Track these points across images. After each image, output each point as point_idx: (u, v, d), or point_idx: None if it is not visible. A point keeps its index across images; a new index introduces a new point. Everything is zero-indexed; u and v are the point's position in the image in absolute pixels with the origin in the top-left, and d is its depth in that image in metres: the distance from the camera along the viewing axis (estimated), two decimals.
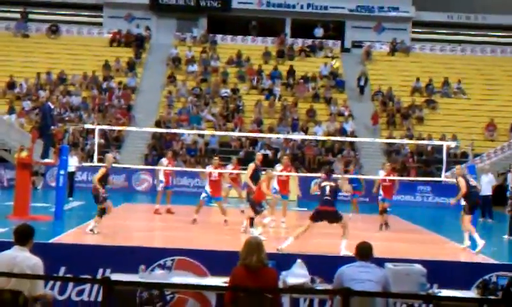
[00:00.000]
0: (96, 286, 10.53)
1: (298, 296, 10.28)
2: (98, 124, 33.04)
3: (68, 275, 10.40)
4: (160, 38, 46.71)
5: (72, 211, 23.67)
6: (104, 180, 18.34)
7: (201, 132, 35.51)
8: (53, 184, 28.25)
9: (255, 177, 20.01)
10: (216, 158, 22.74)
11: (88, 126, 30.60)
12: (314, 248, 15.51)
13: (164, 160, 24.20)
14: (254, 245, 8.31)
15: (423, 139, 35.62)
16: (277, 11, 47.97)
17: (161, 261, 10.60)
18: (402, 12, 48.06)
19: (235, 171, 24.58)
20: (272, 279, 8.30)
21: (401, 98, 41.42)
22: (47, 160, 22.52)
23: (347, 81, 43.18)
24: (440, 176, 26.99)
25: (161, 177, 23.79)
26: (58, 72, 41.55)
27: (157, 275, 10.03)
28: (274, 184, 21.42)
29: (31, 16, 47.24)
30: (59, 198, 21.15)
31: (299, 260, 9.87)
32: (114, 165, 31.73)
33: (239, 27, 47.90)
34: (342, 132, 37.47)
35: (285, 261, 10.00)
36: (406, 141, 35.06)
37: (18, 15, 46.72)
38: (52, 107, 23.60)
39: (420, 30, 48.75)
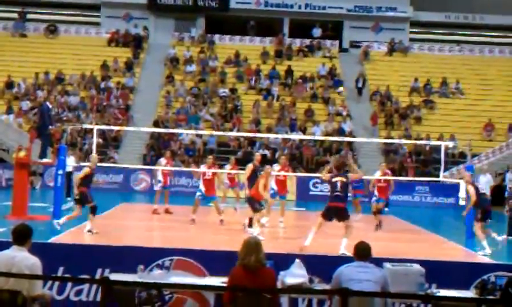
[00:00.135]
0: (94, 286, 10.53)
1: (297, 296, 10.28)
2: (97, 124, 33.02)
3: (67, 275, 10.39)
4: (158, 37, 46.71)
5: (69, 211, 23.60)
6: (88, 180, 18.31)
7: (200, 132, 35.51)
8: (51, 184, 28.26)
9: (253, 178, 19.97)
10: (209, 157, 22.73)
11: (86, 126, 30.64)
12: (313, 248, 15.50)
13: (162, 160, 24.22)
14: (252, 245, 8.31)
15: (421, 139, 35.63)
16: (275, 11, 47.97)
17: (160, 261, 10.60)
18: (400, 12, 48.08)
19: (233, 171, 24.61)
20: (271, 279, 8.30)
21: (399, 98, 41.44)
22: (45, 160, 22.51)
23: (345, 81, 43.18)
24: (438, 176, 26.99)
25: (159, 177, 23.81)
26: (56, 72, 41.53)
27: (156, 275, 10.02)
28: (272, 184, 21.41)
29: (28, 16, 47.21)
30: (57, 198, 21.12)
31: (297, 260, 9.86)
32: (112, 165, 32.03)
33: (237, 27, 47.91)
34: (340, 132, 37.47)
35: (284, 261, 10.00)
36: (404, 141, 35.07)
37: (16, 15, 46.68)
38: (50, 106, 23.61)
39: (418, 30, 48.77)
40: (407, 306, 10.37)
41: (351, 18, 48.11)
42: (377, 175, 22.39)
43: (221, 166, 27.56)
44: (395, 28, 47.70)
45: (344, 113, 39.58)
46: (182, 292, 10.44)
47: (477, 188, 18.21)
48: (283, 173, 22.06)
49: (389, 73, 44.30)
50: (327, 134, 36.37)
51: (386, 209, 26.39)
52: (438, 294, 9.59)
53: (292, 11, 48.01)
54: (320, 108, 40.80)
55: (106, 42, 45.45)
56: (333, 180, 16.17)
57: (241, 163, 28.39)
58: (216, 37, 46.49)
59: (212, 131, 35.84)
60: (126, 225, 21.51)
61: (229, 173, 24.76)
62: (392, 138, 35.94)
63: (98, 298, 10.07)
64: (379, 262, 9.31)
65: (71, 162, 27.59)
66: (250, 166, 20.77)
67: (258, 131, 36.69)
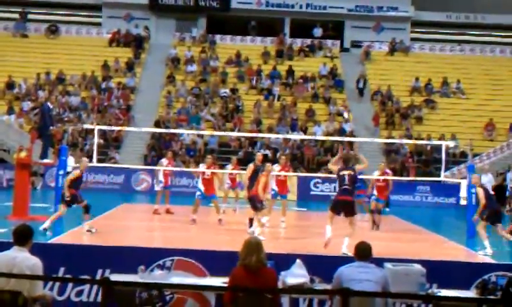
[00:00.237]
0: (95, 287, 10.52)
1: (297, 296, 10.27)
2: (98, 124, 33.01)
3: (68, 276, 10.40)
4: (160, 38, 46.74)
5: (70, 211, 23.60)
6: (77, 182, 18.32)
7: (201, 132, 35.51)
8: (52, 184, 28.22)
9: (254, 177, 19.93)
10: (208, 157, 22.73)
11: (87, 126, 30.64)
12: (313, 248, 15.50)
13: (163, 161, 24.21)
14: (253, 246, 8.31)
15: (422, 139, 35.62)
16: (276, 11, 48.01)
17: (160, 262, 10.60)
18: (402, 12, 48.10)
19: (235, 171, 24.61)
20: (272, 279, 8.29)
21: (400, 98, 41.43)
22: (46, 161, 22.52)
23: (346, 81, 43.19)
24: (439, 176, 26.99)
25: (160, 177, 23.80)
26: (57, 72, 41.55)
27: (157, 276, 10.02)
28: (273, 185, 21.40)
29: (29, 16, 47.25)
30: (58, 198, 21.10)
31: (298, 260, 9.85)
32: (113, 165, 32.03)
33: (238, 27, 47.92)
34: (341, 132, 37.46)
35: (284, 261, 9.99)
36: (405, 140, 35.05)
37: (17, 15, 46.72)
38: (51, 107, 23.62)
39: (419, 30, 48.78)
40: (408, 306, 10.36)
41: (352, 18, 48.13)
42: (376, 175, 22.37)
43: (223, 166, 27.57)
44: (396, 28, 47.72)
45: (345, 114, 39.49)
46: (182, 292, 10.44)
47: (486, 191, 18.15)
48: (283, 173, 22.03)
49: (390, 73, 44.31)
50: (328, 134, 36.38)
51: (387, 209, 26.41)
52: (438, 294, 9.59)
53: (293, 11, 48.04)
54: (321, 108, 40.80)
55: (107, 42, 45.48)
56: (341, 173, 16.10)
57: (243, 163, 28.40)
58: (217, 37, 46.51)
59: (213, 131, 35.86)
60: (127, 225, 21.50)
61: (230, 173, 24.77)
62: (393, 138, 35.94)
63: (99, 298, 10.07)
64: (379, 262, 9.31)
65: (70, 162, 27.59)
66: (251, 166, 20.74)
67: (259, 131, 36.70)
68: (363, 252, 8.72)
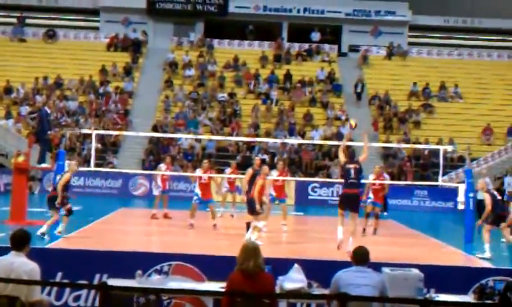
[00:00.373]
0: (93, 292, 10.52)
1: (295, 301, 10.28)
2: (95, 129, 32.98)
3: (65, 281, 10.39)
4: (157, 42, 46.75)
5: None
6: (68, 185, 18.44)
7: (199, 137, 35.48)
8: (50, 189, 28.20)
9: (253, 181, 19.90)
10: (205, 161, 22.69)
11: (84, 131, 30.61)
12: (311, 253, 15.50)
13: (162, 166, 24.21)
14: (251, 250, 8.30)
15: (420, 143, 35.64)
16: (274, 15, 48.05)
17: (158, 267, 10.60)
18: (399, 16, 48.14)
19: (233, 176, 24.61)
20: (270, 284, 8.29)
21: (398, 102, 41.45)
22: (43, 165, 22.50)
23: (344, 85, 43.21)
24: (436, 180, 26.98)
25: (159, 182, 23.80)
26: (55, 77, 41.53)
27: (154, 281, 10.01)
28: (271, 190, 21.40)
29: (27, 20, 47.24)
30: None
31: (296, 265, 9.85)
32: (111, 170, 32.01)
33: (236, 32, 47.95)
34: (339, 136, 37.43)
35: (282, 266, 9.99)
36: (403, 145, 35.06)
37: (14, 20, 46.71)
38: (49, 111, 23.58)
39: (416, 34, 48.84)
40: None
41: (350, 23, 48.17)
42: (371, 178, 22.39)
43: (222, 171, 27.53)
44: (394, 32, 47.74)
45: (343, 117, 39.57)
46: (180, 297, 10.44)
47: (493, 196, 18.18)
48: (281, 177, 22.03)
49: (388, 77, 44.33)
50: (326, 138, 36.33)
51: (385, 213, 26.41)
52: (436, 299, 9.59)
53: (290, 16, 48.09)
54: (319, 112, 40.81)
55: (105, 47, 45.47)
56: (347, 166, 16.57)
57: (241, 167, 28.42)
58: (215, 41, 46.51)
59: (210, 136, 35.84)
60: (124, 230, 21.49)
61: (229, 177, 24.77)
62: (390, 142, 35.94)
63: (97, 304, 10.07)
64: (377, 267, 9.31)
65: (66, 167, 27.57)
66: (250, 170, 20.74)
67: (257, 135, 36.71)
68: (360, 256, 8.71)
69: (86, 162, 32.43)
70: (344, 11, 47.80)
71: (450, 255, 18.33)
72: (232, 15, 47.90)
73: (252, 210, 18.13)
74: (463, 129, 40.19)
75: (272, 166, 26.37)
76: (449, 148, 27.86)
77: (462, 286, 10.09)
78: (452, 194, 31.69)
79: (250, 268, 8.14)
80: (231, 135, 37.02)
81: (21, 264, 8.20)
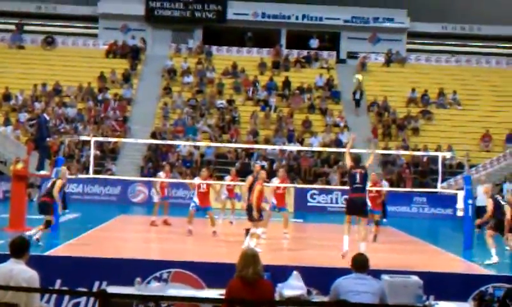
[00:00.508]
0: (92, 299, 10.51)
1: None
2: (94, 136, 32.96)
3: (64, 288, 10.38)
4: (156, 49, 46.78)
5: (67, 223, 23.60)
6: (61, 192, 18.50)
7: (197, 144, 35.45)
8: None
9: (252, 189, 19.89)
10: (203, 170, 22.65)
11: (83, 137, 30.57)
12: (310, 260, 15.48)
13: (161, 174, 24.18)
14: (250, 258, 8.29)
15: (418, 150, 35.64)
16: (272, 22, 48.13)
17: (157, 274, 10.59)
18: (397, 23, 48.22)
19: (233, 183, 24.59)
20: (269, 292, 8.28)
21: (397, 109, 41.46)
22: (42, 172, 22.47)
23: (343, 92, 43.22)
24: (435, 187, 26.98)
25: (158, 189, 23.79)
26: (53, 84, 41.52)
27: (153, 288, 10.01)
28: (272, 198, 21.39)
29: (26, 27, 47.25)
30: (55, 209, 21.05)
31: (295, 272, 9.85)
32: (110, 177, 31.99)
33: (235, 38, 48.00)
34: (338, 143, 37.45)
35: (281, 273, 9.98)
36: (401, 151, 35.05)
37: (13, 27, 46.72)
38: (48, 118, 23.56)
39: (415, 41, 48.92)
40: None
41: (348, 29, 48.25)
42: (368, 185, 22.37)
43: (221, 178, 27.50)
44: (392, 39, 47.82)
45: (342, 124, 39.59)
46: (179, 305, 10.42)
47: (496, 201, 18.22)
48: (283, 184, 21.99)
49: (386, 84, 44.34)
50: (324, 145, 36.35)
51: (385, 220, 26.39)
52: (436, 306, 9.58)
53: (289, 22, 48.17)
54: (318, 119, 40.81)
55: (104, 54, 45.49)
56: (352, 171, 16.65)
57: (241, 174, 28.39)
58: (213, 48, 46.53)
59: (209, 142, 35.81)
60: (124, 237, 21.47)
61: (228, 184, 24.75)
62: (389, 149, 35.92)
63: None
64: (377, 274, 9.30)
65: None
66: (250, 178, 20.71)
67: (256, 142, 36.71)
68: (360, 263, 8.71)
69: (85, 169, 32.40)
70: (343, 18, 47.88)
71: (450, 262, 18.32)
72: (230, 22, 47.96)
73: (250, 218, 18.10)
74: (461, 136, 40.19)
75: (271, 174, 26.36)
76: (448, 155, 27.83)
77: (461, 293, 10.09)
78: (451, 200, 31.61)
79: (249, 275, 8.13)
80: (230, 142, 37.00)
81: (20, 271, 8.19)
